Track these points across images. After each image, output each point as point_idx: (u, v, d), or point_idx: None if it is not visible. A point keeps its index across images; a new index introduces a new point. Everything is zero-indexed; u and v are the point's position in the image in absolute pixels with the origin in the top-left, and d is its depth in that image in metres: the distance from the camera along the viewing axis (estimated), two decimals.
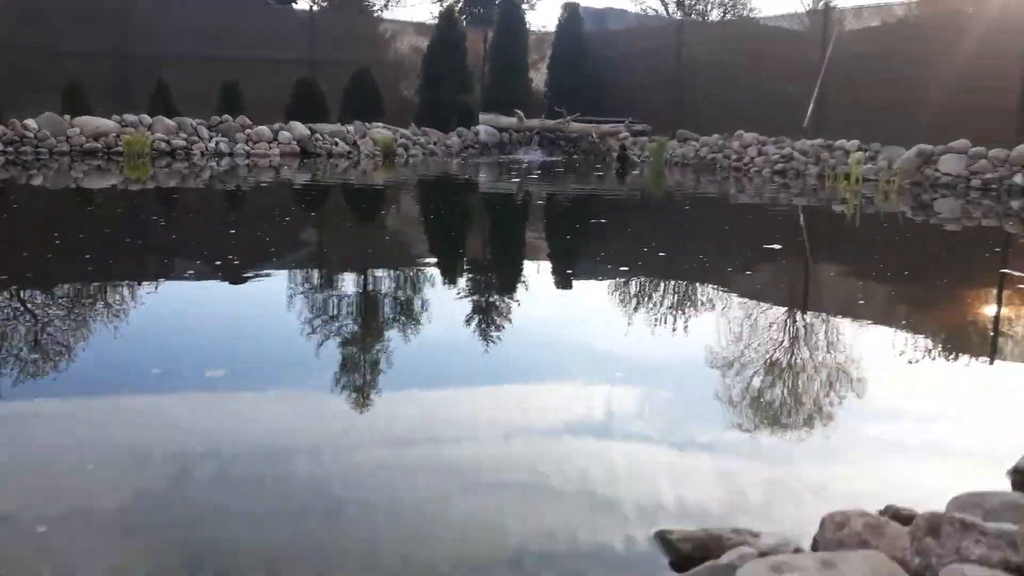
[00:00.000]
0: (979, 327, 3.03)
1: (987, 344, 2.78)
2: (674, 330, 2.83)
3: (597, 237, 5.25)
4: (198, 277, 3.59)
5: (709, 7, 37.72)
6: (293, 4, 33.21)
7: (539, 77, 14.89)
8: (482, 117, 13.23)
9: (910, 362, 2.48)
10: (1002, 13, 9.85)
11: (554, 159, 12.42)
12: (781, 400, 2.15)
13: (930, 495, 1.43)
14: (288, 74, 12.50)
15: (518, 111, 13.11)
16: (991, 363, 2.55)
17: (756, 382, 2.23)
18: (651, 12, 34.50)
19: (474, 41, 14.80)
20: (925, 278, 3.99)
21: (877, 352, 2.57)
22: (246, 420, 1.92)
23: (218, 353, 2.40)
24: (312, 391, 2.10)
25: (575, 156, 13.01)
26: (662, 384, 2.22)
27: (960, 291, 3.86)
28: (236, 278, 3.50)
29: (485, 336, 2.62)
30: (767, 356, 2.49)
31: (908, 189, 8.48)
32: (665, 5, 37.74)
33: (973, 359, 2.57)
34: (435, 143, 12.36)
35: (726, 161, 10.72)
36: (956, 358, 2.56)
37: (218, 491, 1.53)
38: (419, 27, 14.82)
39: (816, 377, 2.32)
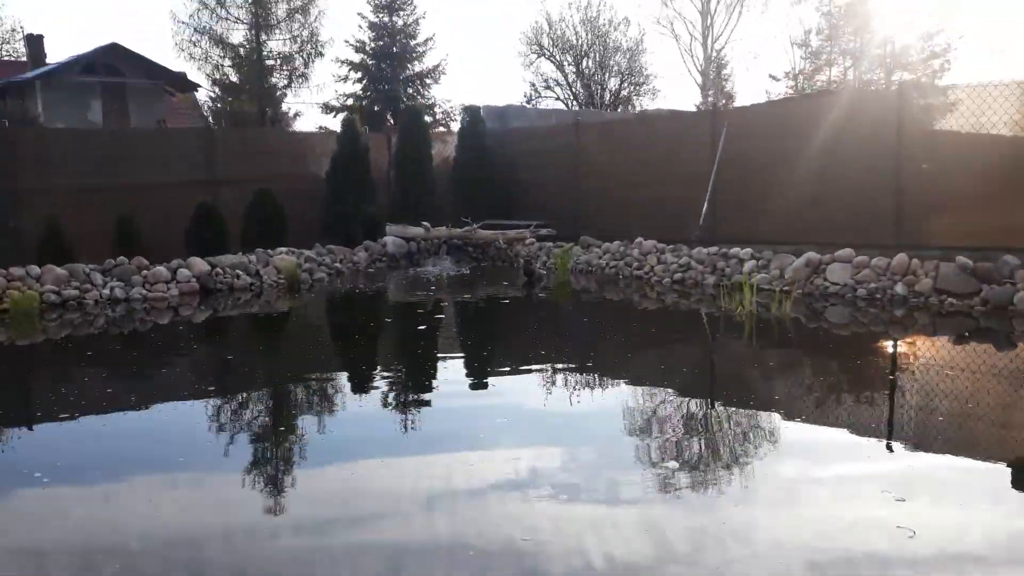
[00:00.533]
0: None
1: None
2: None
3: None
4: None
5: (608, 96, 39.31)
6: (195, 93, 33.06)
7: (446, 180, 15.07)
8: (389, 228, 13.25)
9: None
10: (874, 119, 10.53)
11: (462, 270, 12.50)
12: None
13: None
14: (191, 194, 12.29)
15: (425, 223, 13.19)
16: None
17: None
18: (551, 107, 35.48)
19: (379, 146, 14.92)
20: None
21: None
22: None
23: None
24: None
25: (484, 264, 13.12)
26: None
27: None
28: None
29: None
30: None
31: (800, 298, 8.84)
32: (573, 94, 39.19)
33: None
34: (341, 261, 12.27)
35: (627, 269, 10.97)
36: None
37: None
38: (324, 137, 14.85)
39: None
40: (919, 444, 4.17)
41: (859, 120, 10.68)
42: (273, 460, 4.04)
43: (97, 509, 3.45)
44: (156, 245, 10.87)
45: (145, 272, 9.60)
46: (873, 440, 4.22)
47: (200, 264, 9.99)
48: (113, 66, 27.78)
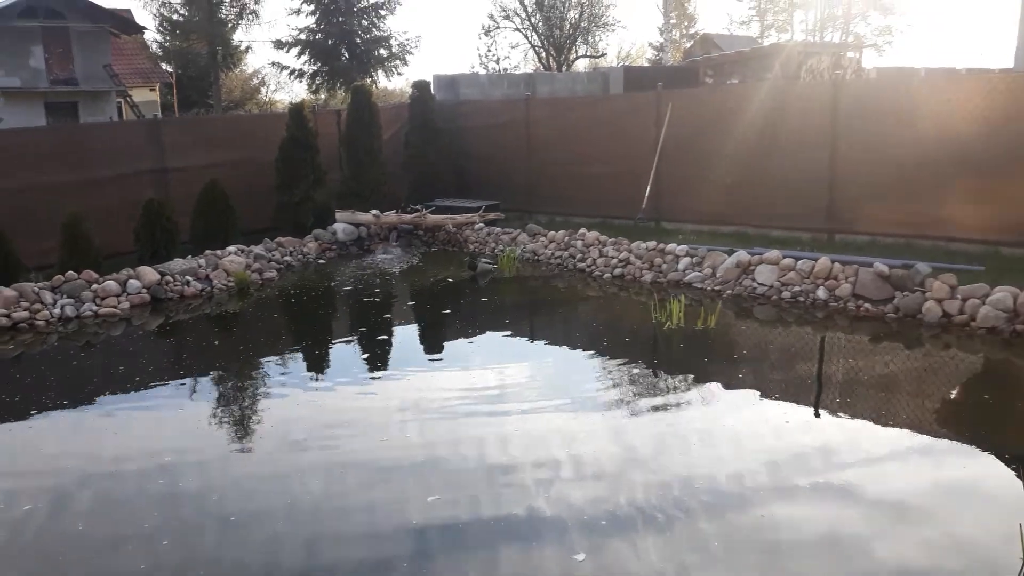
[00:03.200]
0: None
1: None
2: None
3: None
4: None
5: (567, 27, 38.65)
6: (142, 34, 31.93)
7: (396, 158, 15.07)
8: (338, 215, 13.33)
9: None
10: (811, 106, 10.80)
11: (411, 257, 12.72)
12: None
13: None
14: (140, 188, 12.28)
15: (374, 211, 13.29)
16: None
17: None
18: (503, 71, 35.02)
19: (328, 123, 14.84)
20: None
21: None
22: None
23: None
24: None
25: (434, 248, 13.33)
26: None
27: None
28: None
29: None
30: None
31: (731, 299, 9.27)
32: (532, 25, 38.41)
33: None
34: (291, 253, 12.40)
35: (571, 261, 11.27)
36: None
37: None
38: (272, 120, 14.72)
39: None
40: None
41: (796, 106, 10.94)
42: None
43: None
44: (105, 244, 10.93)
45: (95, 287, 9.69)
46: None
47: (150, 274, 10.10)
48: (53, 9, 26.74)
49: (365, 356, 8.09)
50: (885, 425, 5.73)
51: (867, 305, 8.44)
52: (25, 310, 9.19)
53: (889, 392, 6.39)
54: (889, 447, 5.35)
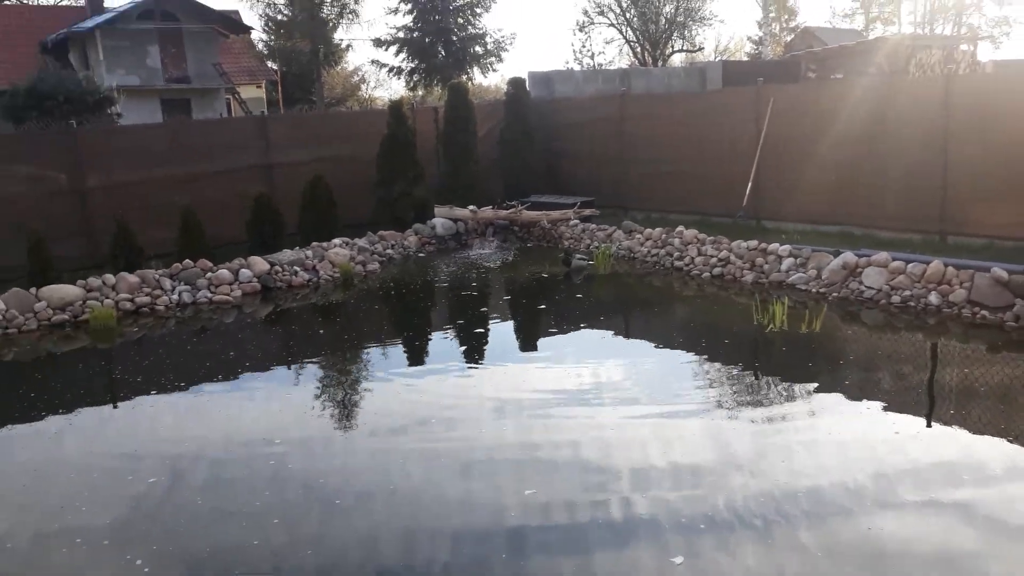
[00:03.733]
0: None
1: None
2: None
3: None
4: None
5: (663, 23, 38.06)
6: (248, 34, 33.29)
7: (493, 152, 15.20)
8: (437, 211, 13.55)
9: None
10: (921, 99, 10.32)
11: (507, 252, 12.82)
12: None
13: None
14: (248, 182, 12.81)
15: (472, 207, 13.45)
16: None
17: None
18: (597, 67, 34.81)
19: (426, 120, 15.10)
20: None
21: None
22: None
23: None
24: None
25: (529, 244, 13.40)
26: None
27: None
28: None
29: None
30: None
31: (836, 303, 8.96)
32: (627, 20, 38.02)
33: None
34: (393, 246, 12.69)
35: (668, 259, 11.12)
36: None
37: None
38: (373, 117, 15.09)
39: None
40: None
41: (905, 102, 10.48)
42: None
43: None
44: (217, 235, 11.47)
45: (210, 275, 10.17)
46: None
47: (260, 264, 10.53)
48: (167, 11, 28.11)
49: (463, 349, 8.22)
50: (1003, 440, 5.43)
51: (984, 312, 8.02)
52: (147, 295, 9.74)
53: (1007, 405, 6.06)
54: (1007, 464, 5.07)
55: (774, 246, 10.11)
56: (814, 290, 9.31)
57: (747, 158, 12.21)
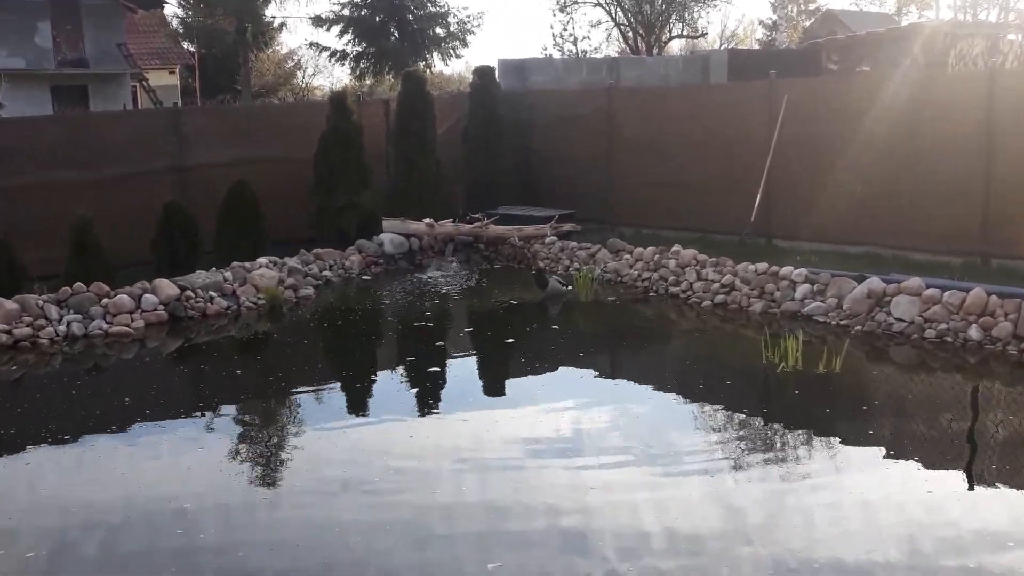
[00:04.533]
0: None
1: None
2: None
3: None
4: None
5: (665, 36, 38.55)
6: (161, 8, 33.11)
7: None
8: (386, 224, 13.55)
9: None
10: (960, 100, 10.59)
11: (470, 273, 12.85)
12: None
13: None
14: (156, 188, 12.71)
15: (428, 220, 13.48)
16: None
17: None
18: (580, 55, 35.05)
19: (374, 115, 15.15)
20: None
21: None
22: None
23: None
24: None
25: (497, 266, 13.43)
26: None
27: None
28: None
29: None
30: None
31: (861, 337, 9.09)
32: (623, 33, 38.45)
33: None
34: (331, 267, 12.65)
35: (662, 284, 11.21)
36: None
37: None
38: (314, 110, 15.11)
39: None
40: None
41: (943, 100, 10.72)
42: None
43: None
44: (118, 252, 11.35)
45: (106, 301, 10.06)
46: None
47: (168, 288, 10.43)
48: None
49: (414, 393, 8.21)
50: None
51: None
52: (28, 326, 9.59)
53: None
54: None
55: (787, 270, 10.26)
56: (834, 322, 9.45)
57: (756, 165, 12.40)
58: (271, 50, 41.40)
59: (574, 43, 39.46)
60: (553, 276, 11.69)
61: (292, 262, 12.05)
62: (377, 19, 33.67)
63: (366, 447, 6.79)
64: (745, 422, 7.07)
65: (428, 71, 33.42)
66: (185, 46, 36.10)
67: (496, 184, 14.95)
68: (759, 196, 12.38)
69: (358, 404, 8.05)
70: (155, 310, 10.28)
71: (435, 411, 7.68)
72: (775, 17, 36.62)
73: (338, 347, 10.05)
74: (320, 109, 14.22)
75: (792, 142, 12.12)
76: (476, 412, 7.50)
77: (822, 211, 11.74)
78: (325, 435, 7.06)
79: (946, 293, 8.95)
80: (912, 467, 6.05)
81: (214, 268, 11.32)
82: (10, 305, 9.67)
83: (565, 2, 39.47)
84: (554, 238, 13.28)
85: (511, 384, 8.48)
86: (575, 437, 6.80)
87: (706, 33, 42.24)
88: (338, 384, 8.71)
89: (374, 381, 8.82)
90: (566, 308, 10.94)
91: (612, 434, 6.93)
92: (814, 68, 19.12)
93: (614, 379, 8.60)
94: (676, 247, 11.54)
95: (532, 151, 15.43)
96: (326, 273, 12.45)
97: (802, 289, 10.01)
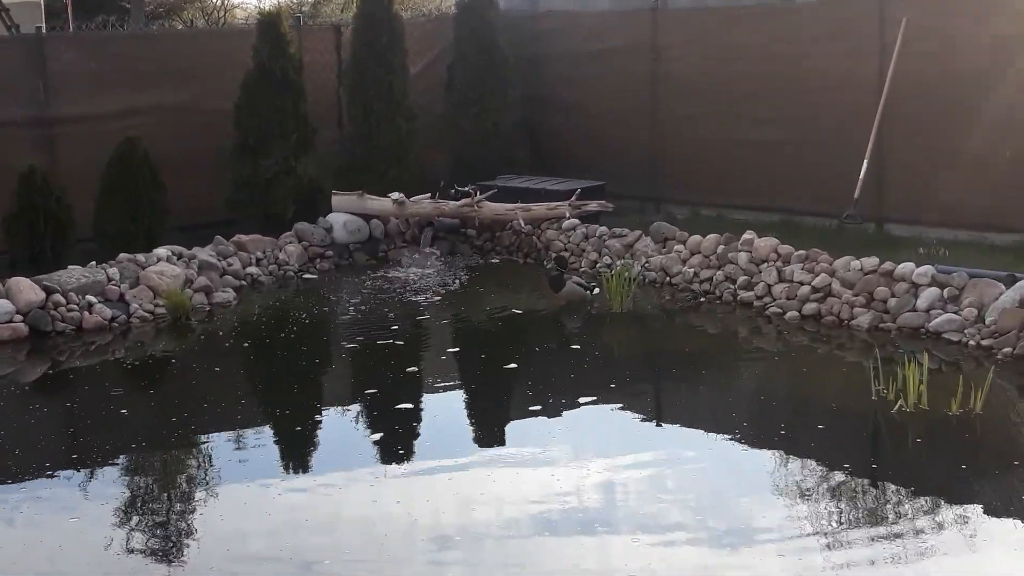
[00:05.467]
0: None
1: None
2: None
3: None
4: None
5: None
6: None
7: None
8: (336, 200, 13.54)
9: None
10: None
11: (455, 270, 12.83)
12: None
13: None
14: (10, 149, 12.66)
15: (396, 193, 13.45)
16: None
17: None
18: None
19: (321, 49, 15.13)
20: None
21: None
22: None
23: None
24: None
25: (495, 259, 13.41)
26: None
27: None
28: None
29: None
30: None
31: (1011, 363, 9.07)
32: None
33: None
34: (259, 260, 12.64)
35: (728, 286, 11.18)
36: None
37: None
38: (234, 40, 15.09)
39: None
40: None
41: None
42: None
43: None
44: None
45: None
46: None
47: (29, 290, 10.44)
48: None
49: (376, 440, 8.16)
50: None
51: None
52: None
53: None
54: None
55: (906, 267, 10.24)
56: (972, 342, 9.42)
57: (863, 118, 12.37)
58: None
59: None
60: (573, 276, 11.66)
61: (204, 254, 12.06)
62: None
63: (308, 517, 6.75)
64: (846, 485, 7.03)
65: None
66: None
67: (493, 146, 14.95)
68: (865, 162, 12.35)
69: (297, 456, 8.01)
70: (10, 322, 10.27)
71: (407, 465, 7.64)
72: None
73: (269, 375, 10.00)
74: (243, 38, 14.23)
75: (914, 85, 12.08)
76: (464, 467, 7.48)
77: (957, 184, 11.70)
78: (248, 500, 7.02)
79: None
80: None
81: (93, 263, 11.32)
82: None
83: None
84: (575, 221, 13.27)
85: (513, 428, 8.44)
86: (604, 504, 6.77)
87: None
88: (268, 428, 8.67)
89: (319, 424, 8.78)
90: (592, 321, 10.91)
91: (656, 500, 6.89)
92: None
93: (659, 422, 8.54)
94: (749, 235, 11.52)
95: (544, 100, 15.42)
96: (252, 270, 12.43)
97: (927, 295, 9.99)
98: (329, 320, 11.44)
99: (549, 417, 8.54)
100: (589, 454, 7.65)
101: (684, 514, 6.64)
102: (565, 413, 8.62)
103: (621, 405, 8.80)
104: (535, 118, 15.39)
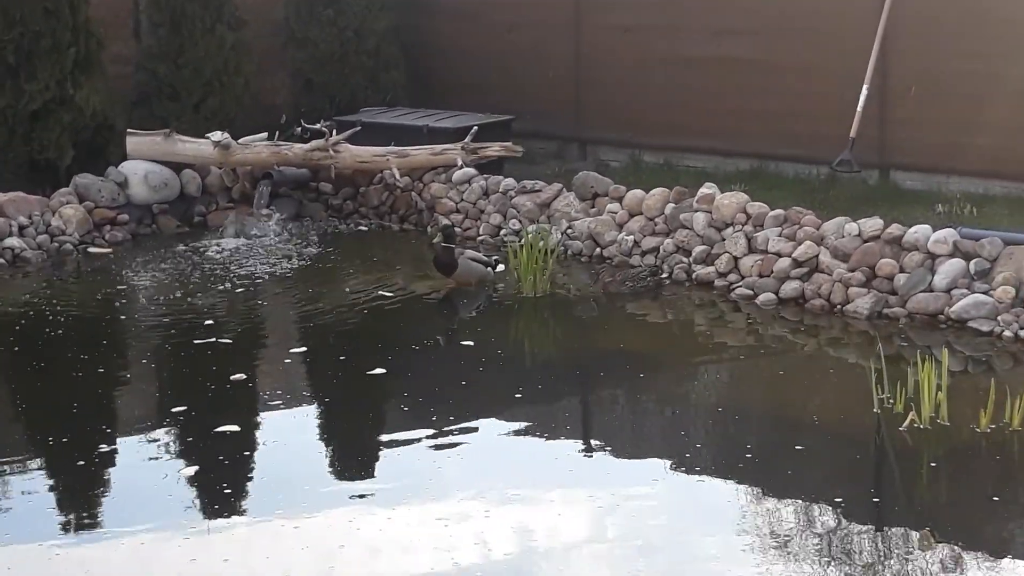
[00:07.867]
0: None
1: None
2: None
3: None
4: None
5: None
6: None
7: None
8: (133, 142, 13.44)
9: None
10: None
11: (302, 240, 12.84)
12: None
13: None
14: None
15: (218, 133, 13.37)
16: None
17: None
18: None
19: None
20: None
21: None
22: None
23: None
24: None
25: (355, 224, 13.42)
26: None
27: None
28: None
29: None
30: None
31: None
32: None
33: None
34: (22, 229, 12.50)
35: (681, 260, 11.26)
36: None
37: None
38: None
39: None
40: None
41: None
42: None
43: None
44: None
45: None
46: None
47: None
48: None
49: (191, 476, 8.12)
50: None
51: None
52: None
53: None
54: None
55: (919, 232, 10.40)
56: (1009, 332, 9.59)
57: (859, 37, 12.51)
58: None
59: None
60: (467, 250, 11.69)
61: None
62: None
63: None
64: (832, 522, 7.14)
65: None
66: None
67: (355, 65, 14.96)
68: (865, 87, 12.50)
69: (80, 503, 7.92)
70: None
71: (234, 513, 7.63)
72: None
73: (37, 392, 9.87)
74: None
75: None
76: (315, 512, 7.46)
77: (991, 118, 11.87)
78: (12, 566, 6.96)
79: None
80: None
81: None
82: None
83: None
84: (470, 171, 13.29)
85: (385, 458, 8.45)
86: (518, 558, 6.81)
87: None
88: (35, 463, 8.56)
89: (109, 456, 8.67)
90: (493, 309, 11.00)
91: (588, 551, 6.96)
92: None
93: (586, 446, 8.60)
94: (708, 188, 11.61)
95: (427, 1, 15.40)
96: (12, 242, 12.33)
97: (948, 269, 10.14)
98: (124, 312, 11.34)
99: (432, 442, 8.54)
100: (493, 493, 7.66)
101: (625, 570, 6.70)
102: (453, 437, 8.62)
103: (533, 424, 8.85)
104: (414, 26, 15.36)
